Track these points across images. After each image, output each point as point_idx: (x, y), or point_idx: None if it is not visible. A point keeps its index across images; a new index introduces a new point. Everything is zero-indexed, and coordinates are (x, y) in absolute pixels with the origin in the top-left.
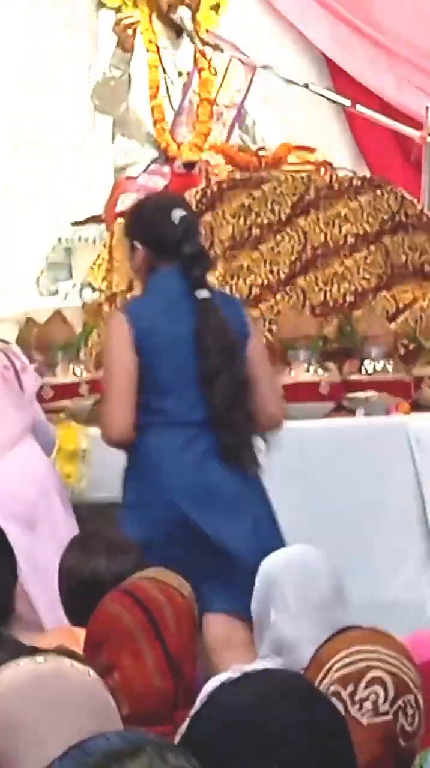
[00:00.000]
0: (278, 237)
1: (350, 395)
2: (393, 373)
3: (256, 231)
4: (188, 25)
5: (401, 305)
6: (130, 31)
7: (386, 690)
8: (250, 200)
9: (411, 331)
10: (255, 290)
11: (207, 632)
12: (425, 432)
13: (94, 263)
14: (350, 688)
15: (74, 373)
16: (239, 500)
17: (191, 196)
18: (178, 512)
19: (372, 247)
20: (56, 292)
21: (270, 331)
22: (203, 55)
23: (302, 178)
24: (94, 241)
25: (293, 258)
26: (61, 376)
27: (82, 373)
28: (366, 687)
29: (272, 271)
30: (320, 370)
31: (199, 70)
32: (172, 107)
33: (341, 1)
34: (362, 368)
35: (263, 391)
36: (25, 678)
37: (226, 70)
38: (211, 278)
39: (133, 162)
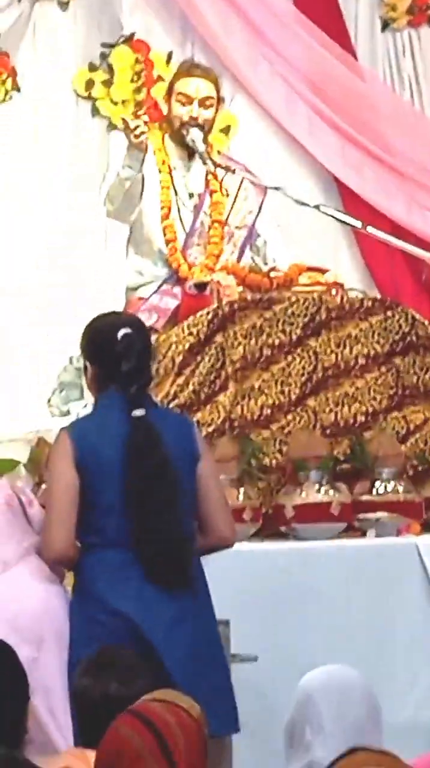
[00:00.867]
0: (289, 357)
1: (361, 516)
2: (404, 494)
3: (267, 351)
4: (200, 146)
5: (412, 426)
6: (143, 137)
7: None
8: (261, 321)
9: (422, 451)
10: (266, 411)
11: None
12: None
13: None
14: None
15: None
16: (173, 629)
17: (203, 316)
18: (127, 622)
19: (383, 368)
20: (68, 413)
21: (281, 451)
22: (215, 176)
23: (313, 298)
24: None
25: (303, 378)
26: None
27: None
28: None
29: (282, 392)
30: (331, 491)
31: (211, 192)
32: (183, 228)
33: (351, 123)
34: (373, 489)
35: (212, 512)
36: None
37: (237, 192)
38: (221, 398)
39: (146, 282)
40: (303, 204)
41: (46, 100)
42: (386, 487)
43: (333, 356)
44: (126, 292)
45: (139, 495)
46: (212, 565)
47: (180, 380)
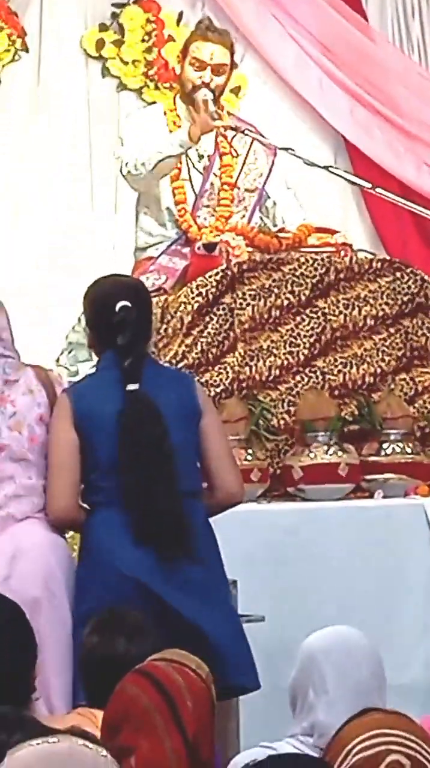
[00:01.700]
0: (298, 319)
1: (369, 477)
2: (412, 455)
3: (275, 312)
4: (211, 107)
5: (420, 387)
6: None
7: None
8: (269, 282)
9: (429, 413)
10: (274, 372)
11: None
12: None
13: None
14: None
15: None
16: (181, 583)
17: (211, 277)
18: (131, 583)
19: (391, 329)
20: (76, 373)
21: (289, 412)
22: (225, 138)
23: (322, 260)
24: None
25: (312, 340)
26: None
27: None
28: None
29: (291, 353)
30: (339, 452)
31: (221, 154)
32: (193, 190)
33: (361, 84)
34: (381, 450)
35: (218, 467)
36: (39, 758)
37: (247, 154)
38: (230, 359)
39: (155, 243)
40: (313, 165)
41: (55, 60)
42: (393, 448)
43: (341, 317)
44: (135, 253)
45: (131, 467)
46: (219, 526)
47: (188, 341)
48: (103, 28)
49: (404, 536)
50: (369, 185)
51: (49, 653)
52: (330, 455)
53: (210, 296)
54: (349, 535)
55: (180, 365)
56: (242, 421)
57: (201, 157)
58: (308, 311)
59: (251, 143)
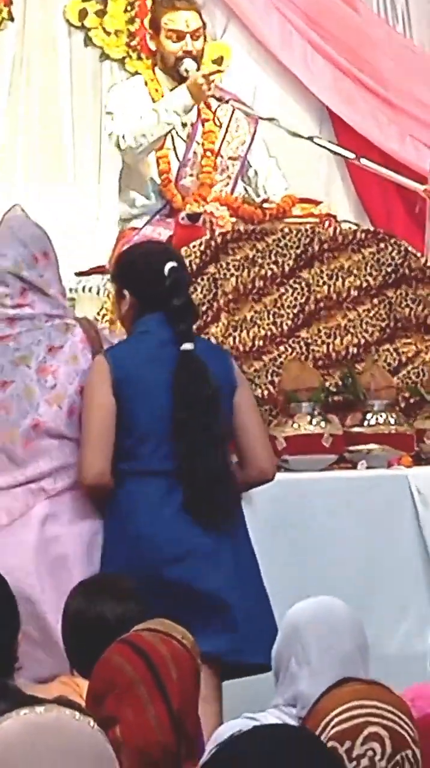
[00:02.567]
0: (282, 289)
1: (352, 448)
2: (396, 426)
3: (259, 283)
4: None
5: (404, 358)
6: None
7: (383, 746)
8: (253, 252)
9: (414, 384)
10: (258, 342)
11: None
12: (427, 485)
13: (98, 313)
14: (347, 744)
15: None
16: (212, 556)
17: (195, 247)
18: (149, 562)
19: (375, 300)
20: None
21: (273, 383)
22: (208, 106)
23: (306, 230)
24: (98, 292)
25: (296, 310)
26: None
27: None
28: (363, 744)
29: (275, 323)
30: (322, 423)
31: (203, 122)
32: (177, 158)
33: (345, 55)
34: (365, 421)
35: (252, 442)
36: (25, 728)
37: (228, 122)
38: (214, 329)
39: (138, 213)
40: (297, 135)
41: (39, 29)
42: (377, 419)
43: (325, 288)
44: (119, 223)
45: (187, 427)
46: None
47: None
48: None
49: (387, 507)
50: (353, 156)
51: None
52: (314, 426)
53: (194, 266)
54: (332, 506)
55: None
56: None
57: (184, 125)
58: (291, 282)
59: (233, 111)
